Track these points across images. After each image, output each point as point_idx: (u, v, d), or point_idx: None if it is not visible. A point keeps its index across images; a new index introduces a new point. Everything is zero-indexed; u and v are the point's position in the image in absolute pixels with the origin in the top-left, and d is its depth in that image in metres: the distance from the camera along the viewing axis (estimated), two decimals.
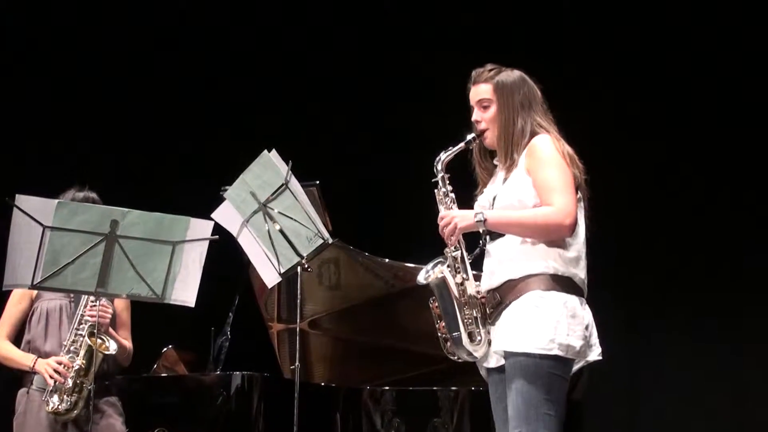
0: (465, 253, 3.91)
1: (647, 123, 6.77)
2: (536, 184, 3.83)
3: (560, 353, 3.74)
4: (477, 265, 3.99)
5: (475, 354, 3.88)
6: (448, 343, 3.89)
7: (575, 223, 3.80)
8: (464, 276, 3.89)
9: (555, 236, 3.79)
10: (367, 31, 7.32)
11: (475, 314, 3.87)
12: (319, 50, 7.35)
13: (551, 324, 3.74)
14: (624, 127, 6.72)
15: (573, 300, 3.80)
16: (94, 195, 4.72)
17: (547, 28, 6.95)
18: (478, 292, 3.91)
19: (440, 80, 6.29)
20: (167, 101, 7.18)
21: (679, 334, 6.70)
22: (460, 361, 3.96)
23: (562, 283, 3.80)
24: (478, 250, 3.95)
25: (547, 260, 3.79)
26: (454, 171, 4.03)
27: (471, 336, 3.85)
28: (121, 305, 4.83)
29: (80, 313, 4.60)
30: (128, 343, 4.82)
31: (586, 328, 3.81)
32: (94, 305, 4.56)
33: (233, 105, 7.27)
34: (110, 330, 4.68)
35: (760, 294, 6.56)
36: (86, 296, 4.54)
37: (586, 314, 3.84)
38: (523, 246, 3.83)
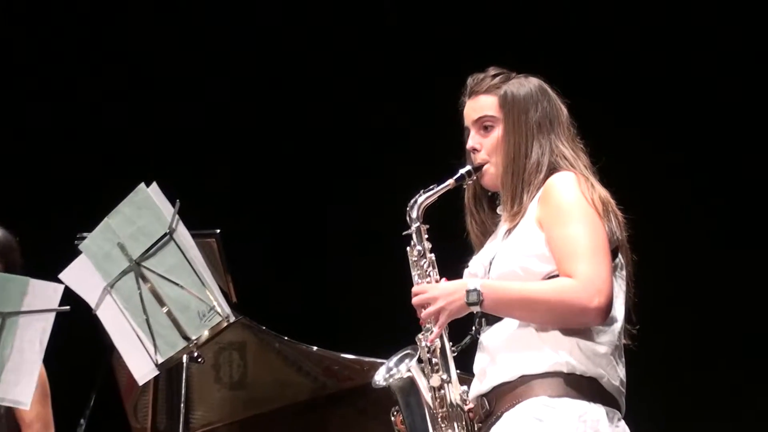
0: (447, 344, 3.37)
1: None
2: (552, 243, 3.28)
3: None
4: (465, 361, 3.42)
5: None
6: None
7: (608, 305, 3.22)
8: (444, 377, 3.35)
9: (576, 323, 3.25)
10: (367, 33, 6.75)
11: None
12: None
13: None
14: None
15: (596, 412, 3.23)
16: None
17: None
18: (464, 401, 3.35)
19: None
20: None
21: None
22: None
23: (581, 387, 3.24)
24: (468, 339, 3.42)
25: (559, 352, 3.25)
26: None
27: None
28: None
29: None
30: None
31: None
32: None
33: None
34: None
35: None
36: None
37: None
38: (524, 331, 3.28)
